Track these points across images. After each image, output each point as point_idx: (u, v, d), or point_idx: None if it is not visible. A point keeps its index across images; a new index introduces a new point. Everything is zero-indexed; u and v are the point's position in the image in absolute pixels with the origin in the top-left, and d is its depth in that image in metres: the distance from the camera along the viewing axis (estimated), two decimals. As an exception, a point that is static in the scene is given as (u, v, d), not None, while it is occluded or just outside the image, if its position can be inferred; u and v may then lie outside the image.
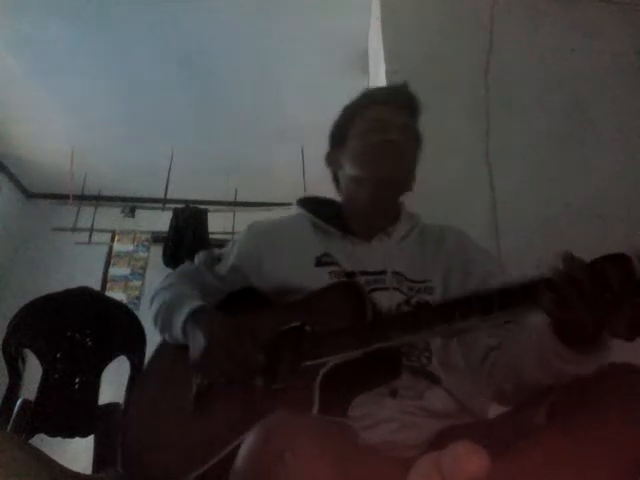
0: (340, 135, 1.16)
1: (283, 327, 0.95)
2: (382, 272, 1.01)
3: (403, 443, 0.85)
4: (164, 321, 1.08)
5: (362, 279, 0.98)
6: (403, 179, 1.10)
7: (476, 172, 1.89)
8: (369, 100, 1.16)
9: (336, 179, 1.20)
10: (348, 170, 1.12)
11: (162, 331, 1.10)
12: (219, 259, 1.17)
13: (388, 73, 2.05)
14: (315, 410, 0.77)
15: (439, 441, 0.81)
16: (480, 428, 0.84)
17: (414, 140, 1.13)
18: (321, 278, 1.00)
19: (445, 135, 1.96)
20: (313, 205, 1.18)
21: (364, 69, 2.89)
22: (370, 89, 1.19)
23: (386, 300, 0.96)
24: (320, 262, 1.04)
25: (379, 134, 1.07)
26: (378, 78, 2.32)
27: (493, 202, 1.84)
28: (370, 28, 2.63)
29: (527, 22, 2.13)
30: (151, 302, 1.16)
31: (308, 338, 0.90)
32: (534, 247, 1.74)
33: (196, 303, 1.03)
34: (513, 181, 1.89)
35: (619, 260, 0.63)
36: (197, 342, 0.95)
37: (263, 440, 0.61)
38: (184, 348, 1.01)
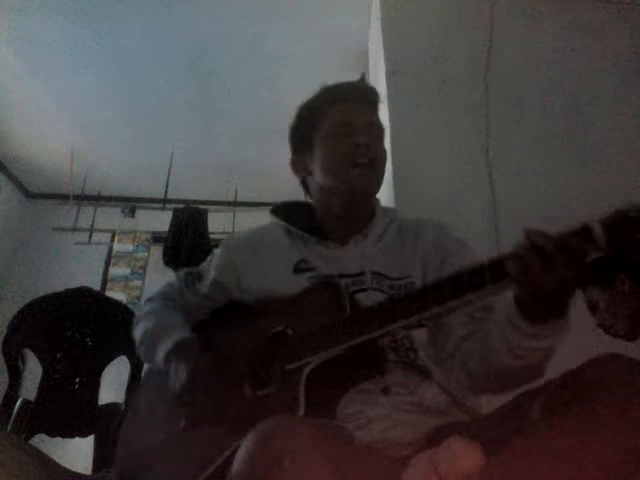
0: (304, 139, 1.15)
1: (266, 333, 0.95)
2: (360, 273, 1.01)
3: (397, 441, 0.85)
4: (147, 350, 1.08)
5: (341, 282, 0.97)
6: (375, 185, 1.09)
7: (476, 172, 1.89)
8: (330, 99, 1.13)
9: (304, 184, 1.19)
10: (318, 179, 1.11)
11: (145, 359, 1.11)
12: (199, 277, 1.16)
13: (388, 73, 2.05)
14: (301, 412, 0.77)
15: (434, 438, 0.81)
16: (476, 425, 0.84)
17: (381, 137, 1.12)
18: (301, 284, 1.00)
19: (445, 135, 1.97)
20: (286, 212, 1.16)
21: (364, 69, 2.89)
22: (328, 86, 1.16)
23: (367, 301, 0.95)
24: (298, 269, 1.04)
25: (347, 138, 1.06)
26: (378, 78, 2.32)
27: (493, 202, 1.84)
28: (370, 28, 2.63)
29: (527, 22, 2.13)
30: (134, 327, 1.16)
31: (290, 341, 0.91)
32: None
33: (178, 336, 1.02)
34: (513, 181, 1.89)
35: (581, 229, 0.66)
36: (179, 377, 0.95)
37: (260, 444, 0.61)
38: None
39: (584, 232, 0.66)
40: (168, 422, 0.97)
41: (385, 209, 1.16)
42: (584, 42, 2.10)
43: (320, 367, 0.83)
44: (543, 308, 0.72)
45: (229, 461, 0.66)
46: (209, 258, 1.20)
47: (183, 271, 1.21)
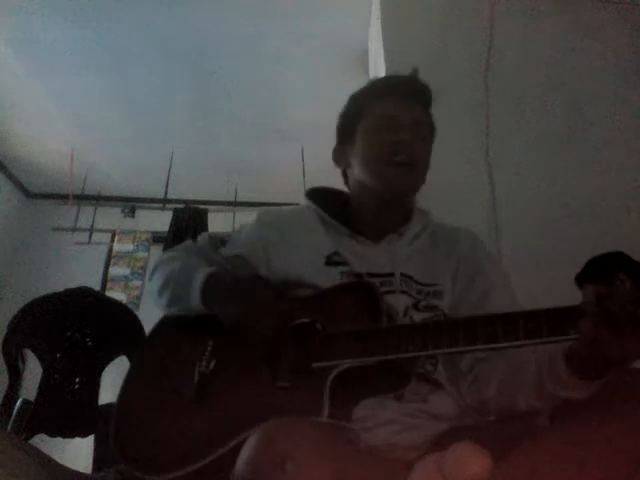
0: (348, 129, 1.11)
1: (292, 322, 0.93)
2: (390, 274, 0.99)
3: (405, 445, 0.84)
4: (175, 291, 1.02)
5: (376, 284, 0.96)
6: (413, 187, 1.06)
7: (476, 172, 1.88)
8: (378, 92, 1.10)
9: (345, 175, 1.15)
10: (357, 173, 1.08)
11: (171, 303, 1.04)
12: (222, 243, 1.13)
13: (388, 73, 2.05)
14: (325, 414, 0.75)
15: (441, 442, 0.81)
16: (483, 429, 0.84)
17: (427, 136, 1.08)
18: (333, 277, 0.98)
19: (445, 135, 1.96)
20: (322, 198, 1.13)
21: (364, 69, 2.88)
22: (379, 79, 1.15)
23: (394, 303, 0.94)
24: (330, 261, 1.01)
25: (388, 134, 1.02)
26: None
27: (493, 202, 1.84)
28: (370, 28, 2.63)
29: (527, 22, 2.13)
30: (152, 274, 1.11)
31: (318, 337, 0.88)
32: (534, 247, 1.74)
33: (211, 268, 1.00)
34: (513, 181, 1.89)
35: None
36: (228, 303, 0.93)
37: (264, 445, 0.61)
38: (184, 332, 1.00)
39: None
40: (177, 385, 0.93)
41: (422, 211, 1.13)
42: (584, 42, 2.10)
43: (345, 371, 0.81)
44: (597, 370, 0.68)
45: (235, 450, 0.65)
46: (238, 229, 1.17)
47: (207, 233, 1.18)
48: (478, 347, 0.73)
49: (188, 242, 1.19)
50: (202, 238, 1.17)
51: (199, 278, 0.97)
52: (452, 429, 0.87)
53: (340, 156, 1.14)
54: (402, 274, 0.99)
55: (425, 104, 1.10)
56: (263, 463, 0.59)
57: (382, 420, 0.86)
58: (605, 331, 0.62)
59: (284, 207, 1.20)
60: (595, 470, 0.57)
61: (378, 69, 2.31)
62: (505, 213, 1.82)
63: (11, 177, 4.18)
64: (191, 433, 0.85)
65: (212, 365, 0.92)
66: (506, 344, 0.71)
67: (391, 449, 0.83)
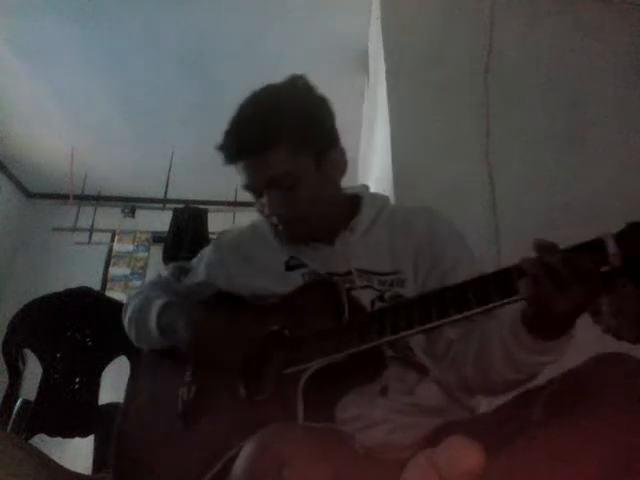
0: None
1: (262, 332, 0.94)
2: (348, 273, 0.98)
3: (399, 444, 0.85)
4: (137, 326, 1.06)
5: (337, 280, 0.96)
6: (305, 229, 1.01)
7: (476, 172, 1.88)
8: (227, 159, 1.00)
9: None
10: None
11: (137, 339, 1.09)
12: (186, 271, 1.15)
13: (388, 73, 2.05)
14: (300, 419, 0.76)
15: (435, 438, 0.81)
16: (475, 424, 0.84)
17: (290, 181, 0.95)
18: (295, 281, 0.98)
19: (445, 135, 1.96)
20: None
21: (364, 69, 2.89)
22: (223, 137, 0.99)
23: (360, 299, 0.94)
24: (289, 266, 1.02)
25: (257, 201, 1.00)
26: (378, 78, 2.32)
27: (493, 202, 1.84)
28: (370, 28, 2.63)
29: (527, 22, 2.13)
30: (123, 315, 1.15)
31: (287, 343, 0.89)
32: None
33: (165, 299, 1.02)
34: (513, 181, 1.89)
35: (592, 246, 0.64)
36: (180, 332, 0.96)
37: (260, 452, 0.61)
38: (165, 361, 1.02)
39: (597, 248, 0.64)
40: (167, 418, 0.96)
41: (374, 197, 1.11)
42: (584, 42, 2.10)
43: (318, 371, 0.82)
44: (553, 326, 0.70)
45: (229, 464, 0.66)
46: (200, 254, 1.18)
47: (172, 264, 1.20)
48: (434, 324, 0.74)
49: (155, 277, 1.22)
50: (167, 270, 1.19)
51: (154, 310, 1.01)
52: (445, 425, 0.87)
53: None
54: (359, 270, 0.98)
55: (269, 146, 0.94)
56: (260, 470, 0.59)
57: (375, 420, 0.86)
58: (545, 285, 0.64)
59: (240, 227, 1.20)
60: (590, 466, 0.57)
61: (378, 69, 2.31)
62: (505, 213, 1.82)
63: (11, 177, 4.18)
64: (184, 458, 0.88)
65: (193, 391, 0.95)
66: (459, 315, 0.72)
67: (386, 449, 0.83)
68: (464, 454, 0.55)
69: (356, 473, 0.63)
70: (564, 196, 1.85)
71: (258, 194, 0.99)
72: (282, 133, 0.94)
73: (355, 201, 1.08)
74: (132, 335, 1.11)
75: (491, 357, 0.81)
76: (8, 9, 2.67)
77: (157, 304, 1.02)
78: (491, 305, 0.70)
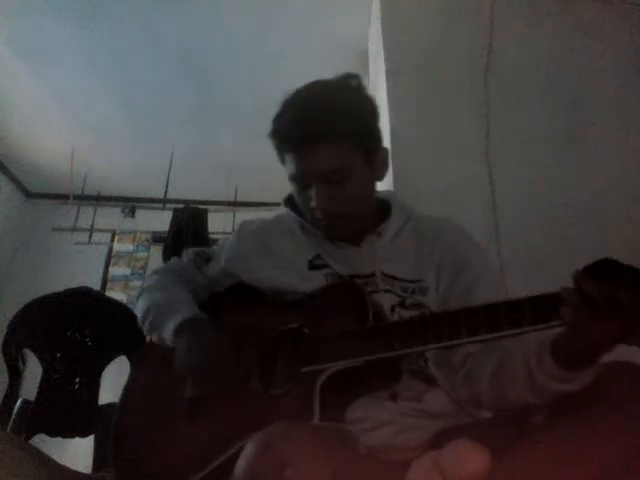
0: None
1: (281, 328, 0.94)
2: (372, 275, 0.99)
3: (403, 445, 0.85)
4: (154, 322, 1.04)
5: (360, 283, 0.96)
6: (347, 227, 1.01)
7: (476, 172, 1.88)
8: (278, 147, 1.02)
9: None
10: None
11: (150, 331, 1.06)
12: (208, 259, 1.14)
13: (388, 73, 2.05)
14: (316, 418, 0.76)
15: (439, 441, 0.81)
16: (480, 428, 0.84)
17: (341, 176, 0.96)
18: (318, 281, 0.98)
19: (445, 135, 1.96)
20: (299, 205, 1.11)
21: (364, 69, 2.88)
22: (276, 122, 1.01)
23: (381, 302, 0.94)
24: (313, 265, 1.02)
25: (303, 193, 0.99)
26: (378, 78, 2.32)
27: (493, 202, 1.84)
28: (370, 28, 2.63)
29: (527, 22, 2.13)
30: (138, 297, 1.13)
31: (306, 341, 0.89)
32: (534, 247, 1.74)
33: (189, 312, 1.00)
34: (513, 181, 1.88)
35: (631, 278, 0.63)
36: (189, 350, 0.94)
37: (262, 451, 0.61)
38: (165, 361, 1.00)
39: (634, 280, 0.63)
40: (170, 410, 0.95)
41: (402, 206, 1.11)
42: (584, 42, 2.10)
43: (335, 372, 0.82)
44: (584, 357, 0.68)
45: (231, 460, 0.66)
46: (221, 242, 1.17)
47: (192, 250, 1.17)
48: (463, 340, 0.73)
49: (174, 262, 1.19)
50: (187, 256, 1.17)
51: (176, 319, 0.98)
52: (450, 428, 0.87)
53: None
54: (383, 273, 0.99)
55: (326, 139, 0.94)
56: (262, 469, 0.59)
57: (379, 421, 0.86)
58: (585, 315, 0.63)
59: (264, 217, 1.19)
60: (593, 468, 0.57)
61: (378, 69, 2.31)
62: (505, 213, 1.82)
63: (11, 177, 4.18)
64: (188, 450, 0.87)
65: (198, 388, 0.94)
66: (489, 335, 0.71)
67: (389, 450, 0.83)
68: (469, 457, 0.55)
69: (358, 473, 0.63)
70: (564, 196, 1.85)
71: (305, 186, 0.98)
72: (348, 129, 0.95)
73: (384, 206, 1.09)
74: (145, 328, 1.08)
75: (511, 377, 0.79)
76: (8, 9, 2.67)
77: (179, 316, 0.99)
78: (524, 329, 0.69)
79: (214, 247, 1.18)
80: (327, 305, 0.93)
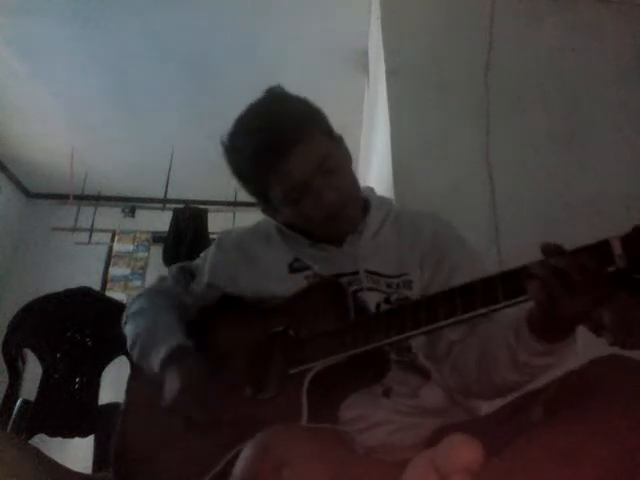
0: (262, 197, 1.05)
1: (267, 333, 0.94)
2: (355, 272, 0.99)
3: (400, 444, 0.85)
4: (142, 352, 1.04)
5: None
6: (351, 215, 1.02)
7: (476, 172, 1.88)
8: (266, 157, 0.97)
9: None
10: (299, 224, 1.05)
11: (138, 360, 1.06)
12: (192, 275, 1.13)
13: (388, 73, 2.05)
14: (304, 419, 0.76)
15: (435, 439, 0.81)
16: (476, 425, 0.84)
17: (332, 164, 0.98)
18: (299, 283, 0.98)
19: (445, 135, 1.97)
20: None
21: (364, 69, 2.88)
22: (253, 136, 1.00)
23: (367, 300, 0.94)
24: (293, 268, 1.03)
25: (304, 202, 0.97)
26: (378, 78, 2.32)
27: (493, 202, 1.84)
28: (370, 28, 2.63)
29: (527, 22, 2.13)
30: (124, 324, 1.13)
31: (292, 343, 0.90)
32: (534, 247, 1.73)
33: (172, 341, 0.99)
34: (513, 181, 1.89)
35: (598, 247, 0.65)
36: (174, 387, 0.93)
37: (260, 454, 0.61)
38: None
39: (603, 250, 0.64)
40: (167, 420, 0.96)
41: (381, 201, 1.11)
42: (584, 42, 2.10)
43: (323, 371, 0.82)
44: (559, 328, 0.71)
45: (229, 466, 0.66)
46: (203, 254, 1.17)
47: (175, 267, 1.17)
48: (441, 324, 0.74)
49: (158, 282, 1.18)
50: (170, 273, 1.16)
51: (161, 353, 0.97)
52: (447, 426, 0.87)
53: (270, 214, 1.09)
54: (367, 271, 0.99)
55: (303, 137, 0.96)
56: (260, 471, 0.59)
57: (376, 420, 0.86)
58: (554, 288, 0.65)
59: (242, 227, 1.19)
60: (591, 466, 0.57)
61: (378, 69, 2.31)
62: (505, 213, 1.82)
63: (11, 177, 4.18)
64: (185, 459, 0.88)
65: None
66: (464, 316, 0.72)
67: (387, 450, 0.83)
68: (462, 450, 0.55)
69: (356, 473, 0.63)
70: (564, 196, 1.85)
71: (302, 191, 0.96)
72: (315, 122, 1.00)
73: (364, 203, 1.09)
74: (133, 353, 1.08)
75: (494, 358, 0.81)
76: (8, 9, 2.67)
77: (162, 349, 0.98)
78: (497, 306, 0.70)
79: (197, 261, 1.17)
80: (310, 305, 0.93)
